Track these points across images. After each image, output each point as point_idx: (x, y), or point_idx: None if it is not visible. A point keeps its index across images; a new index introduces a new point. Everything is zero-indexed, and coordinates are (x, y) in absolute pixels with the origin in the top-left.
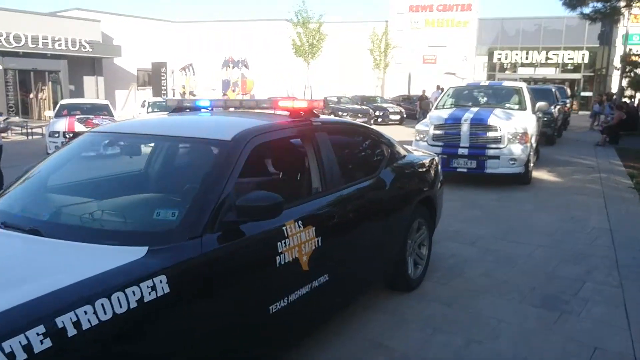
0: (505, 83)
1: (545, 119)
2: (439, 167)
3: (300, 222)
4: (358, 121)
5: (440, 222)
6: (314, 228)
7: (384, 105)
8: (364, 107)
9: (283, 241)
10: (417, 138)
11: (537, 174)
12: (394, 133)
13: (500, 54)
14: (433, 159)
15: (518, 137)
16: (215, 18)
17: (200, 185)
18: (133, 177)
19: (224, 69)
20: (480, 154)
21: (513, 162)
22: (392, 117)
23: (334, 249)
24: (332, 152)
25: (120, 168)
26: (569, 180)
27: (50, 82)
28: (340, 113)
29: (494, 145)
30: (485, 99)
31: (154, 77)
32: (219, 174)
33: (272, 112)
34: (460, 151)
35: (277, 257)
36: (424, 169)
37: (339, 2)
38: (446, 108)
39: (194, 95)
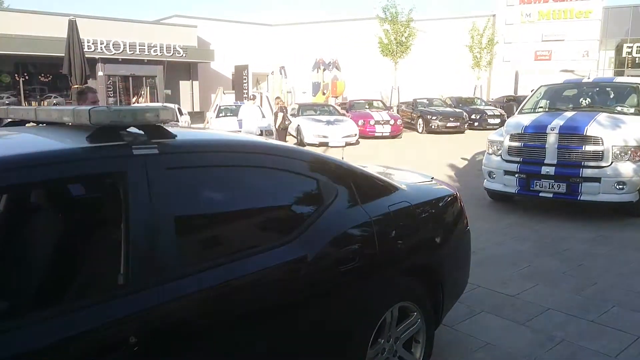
0: (618, 79)
1: None
2: (461, 209)
3: None
4: (449, 126)
5: (493, 277)
6: None
7: (483, 107)
8: (457, 110)
9: None
10: (490, 151)
11: None
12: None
13: (631, 47)
14: (446, 199)
15: (630, 152)
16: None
17: None
18: None
19: (315, 71)
20: (573, 175)
21: (621, 186)
22: (490, 120)
23: None
24: (166, 208)
25: None
26: None
27: (147, 87)
28: (428, 117)
29: (593, 163)
30: (588, 100)
31: (236, 81)
32: None
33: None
34: (545, 170)
35: None
36: (417, 219)
37: None
38: (536, 112)
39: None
